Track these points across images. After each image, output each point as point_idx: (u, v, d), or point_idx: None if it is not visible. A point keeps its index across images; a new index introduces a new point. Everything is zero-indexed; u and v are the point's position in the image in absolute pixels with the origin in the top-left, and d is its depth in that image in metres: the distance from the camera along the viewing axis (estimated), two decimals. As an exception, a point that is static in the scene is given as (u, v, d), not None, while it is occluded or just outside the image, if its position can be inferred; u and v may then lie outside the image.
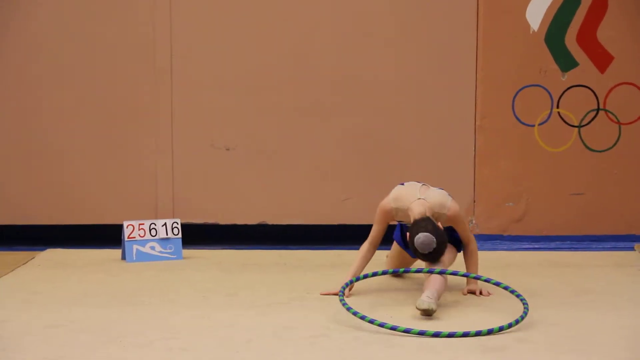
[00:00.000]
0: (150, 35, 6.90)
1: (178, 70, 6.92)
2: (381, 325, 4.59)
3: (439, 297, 5.00)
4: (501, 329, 4.60)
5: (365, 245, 5.41)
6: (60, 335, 4.59)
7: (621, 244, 6.89)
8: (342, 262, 6.28)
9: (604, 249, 6.84)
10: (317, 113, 6.94)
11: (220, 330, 4.68)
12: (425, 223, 5.02)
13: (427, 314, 4.87)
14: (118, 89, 6.94)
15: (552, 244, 6.94)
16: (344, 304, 4.81)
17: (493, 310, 5.01)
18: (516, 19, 6.84)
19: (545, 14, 6.83)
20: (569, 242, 6.96)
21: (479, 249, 6.71)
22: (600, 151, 6.95)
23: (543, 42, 6.86)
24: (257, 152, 6.99)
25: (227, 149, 6.99)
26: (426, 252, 4.99)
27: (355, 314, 4.70)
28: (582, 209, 6.94)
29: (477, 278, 5.18)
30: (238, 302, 5.26)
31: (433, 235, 4.96)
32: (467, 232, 5.37)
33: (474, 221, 6.97)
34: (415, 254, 5.07)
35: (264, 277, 5.88)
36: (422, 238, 4.97)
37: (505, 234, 6.98)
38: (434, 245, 4.97)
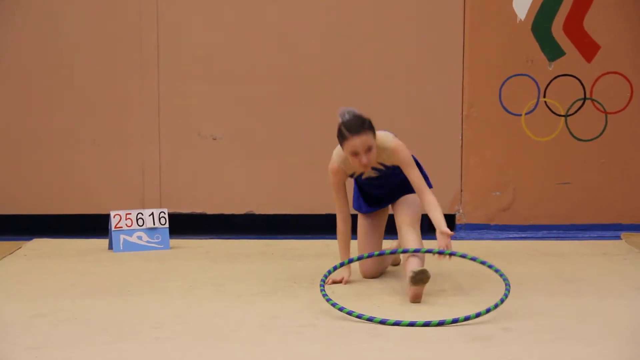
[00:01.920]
0: (137, 24, 6.88)
1: (165, 59, 6.92)
2: (370, 319, 4.60)
3: (423, 263, 5.04)
4: (488, 310, 4.61)
5: (339, 226, 5.35)
6: (46, 325, 4.59)
7: (608, 233, 6.92)
8: (329, 251, 6.29)
9: (590, 238, 6.87)
10: (304, 103, 6.94)
11: (207, 320, 4.68)
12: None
13: (423, 280, 4.88)
14: (104, 78, 6.93)
15: (539, 233, 6.97)
16: (326, 298, 4.82)
17: (478, 295, 5.02)
18: (503, 9, 6.85)
19: (532, 4, 6.84)
20: (555, 231, 6.98)
21: (466, 238, 6.76)
22: (586, 140, 6.96)
23: (530, 32, 6.87)
24: (244, 141, 6.99)
25: (214, 139, 6.99)
26: (351, 116, 5.01)
27: (341, 309, 4.69)
28: (568, 198, 6.97)
29: (463, 256, 5.02)
30: (225, 291, 5.26)
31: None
32: (419, 177, 5.18)
33: (460, 210, 6.99)
34: (347, 132, 5.00)
35: (251, 267, 5.89)
36: (343, 110, 5.04)
37: (492, 223, 7.00)
38: (357, 112, 5.02)
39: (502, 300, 4.68)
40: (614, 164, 6.95)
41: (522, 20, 6.86)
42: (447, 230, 5.03)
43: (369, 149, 5.03)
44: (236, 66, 6.93)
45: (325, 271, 5.20)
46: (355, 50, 6.91)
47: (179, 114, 6.97)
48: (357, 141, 5.00)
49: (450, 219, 7.06)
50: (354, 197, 5.57)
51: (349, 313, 4.64)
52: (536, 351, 4.18)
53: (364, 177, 5.33)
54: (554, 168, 6.97)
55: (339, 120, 5.03)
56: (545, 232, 6.97)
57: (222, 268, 5.88)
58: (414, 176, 5.17)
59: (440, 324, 4.52)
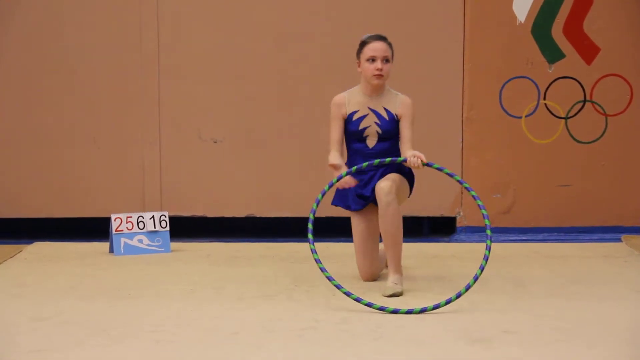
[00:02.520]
0: (136, 25, 6.89)
1: (165, 61, 6.93)
2: (357, 300, 4.78)
3: (401, 275, 5.17)
4: (458, 295, 4.78)
5: (331, 154, 5.30)
6: (47, 327, 4.59)
7: (608, 236, 6.92)
8: (329, 254, 6.29)
9: (591, 240, 6.87)
10: (304, 106, 6.95)
11: (208, 322, 4.69)
12: None
13: (395, 296, 5.05)
14: (105, 79, 6.95)
15: (540, 236, 6.97)
16: (312, 250, 4.96)
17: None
18: (503, 11, 6.86)
19: (532, 6, 6.85)
20: (556, 233, 6.98)
21: (467, 241, 6.77)
22: (587, 143, 6.97)
23: (530, 34, 6.88)
24: (245, 144, 6.99)
25: (215, 142, 6.99)
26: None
27: (338, 287, 4.86)
28: (569, 200, 6.97)
29: (440, 169, 5.02)
30: (226, 294, 5.26)
31: None
32: (410, 134, 5.24)
33: (461, 213, 6.99)
34: (368, 38, 5.24)
35: (252, 270, 5.89)
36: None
37: (493, 225, 6.99)
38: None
39: (475, 279, 4.82)
40: (615, 167, 6.96)
41: (522, 22, 6.87)
42: (417, 152, 5.04)
43: (386, 60, 5.19)
44: (236, 68, 6.95)
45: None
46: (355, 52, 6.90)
47: (180, 116, 6.98)
48: (376, 45, 5.18)
49: (450, 222, 7.09)
50: (337, 195, 5.50)
51: (337, 286, 4.83)
52: (536, 353, 4.19)
53: (358, 119, 5.26)
54: (554, 170, 6.98)
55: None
56: (545, 234, 6.98)
57: (222, 271, 5.89)
58: (408, 131, 5.26)
59: (436, 307, 4.75)
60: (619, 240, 6.81)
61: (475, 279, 4.83)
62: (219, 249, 6.57)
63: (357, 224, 5.45)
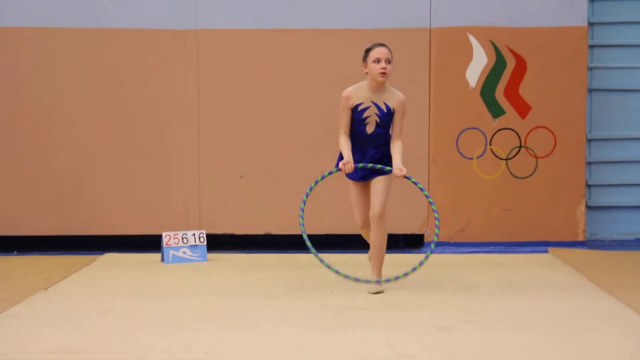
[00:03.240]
0: (181, 87, 6.91)
1: (204, 114, 6.93)
2: (336, 272, 4.89)
3: (381, 273, 5.19)
4: (414, 269, 4.95)
5: (341, 137, 5.17)
6: (114, 318, 4.58)
7: (539, 248, 6.90)
8: (328, 262, 6.24)
9: (526, 252, 6.85)
10: (310, 149, 6.95)
11: (235, 314, 4.67)
12: None
13: (378, 293, 5.12)
14: (159, 129, 6.92)
15: (487, 248, 6.95)
16: (302, 230, 5.03)
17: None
18: (458, 78, 6.88)
19: (480, 74, 6.88)
20: (499, 247, 6.96)
21: (432, 252, 6.73)
22: (522, 178, 6.97)
23: (479, 96, 6.90)
24: (264, 178, 6.99)
25: (241, 177, 6.99)
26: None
27: (325, 263, 4.96)
28: (509, 221, 6.95)
29: (415, 183, 5.10)
30: (249, 293, 5.24)
31: None
32: (401, 127, 5.17)
33: (427, 231, 6.97)
34: (373, 45, 5.09)
35: (269, 275, 5.87)
36: None
37: (452, 240, 6.99)
38: None
39: (426, 257, 4.97)
40: (543, 196, 6.95)
41: (473, 87, 6.90)
42: (402, 167, 5.05)
43: (388, 61, 5.06)
44: (257, 121, 6.94)
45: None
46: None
47: (214, 157, 6.97)
48: (381, 49, 5.05)
49: (419, 238, 7.07)
50: (337, 157, 5.29)
51: (321, 260, 4.92)
52: (487, 337, 4.17)
53: (362, 109, 5.11)
54: (498, 199, 6.97)
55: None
56: (492, 247, 6.96)
57: (246, 275, 5.86)
58: (399, 123, 5.16)
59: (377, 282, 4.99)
60: (546, 251, 6.80)
61: (414, 269, 5.01)
62: (244, 259, 6.54)
63: (354, 189, 5.30)
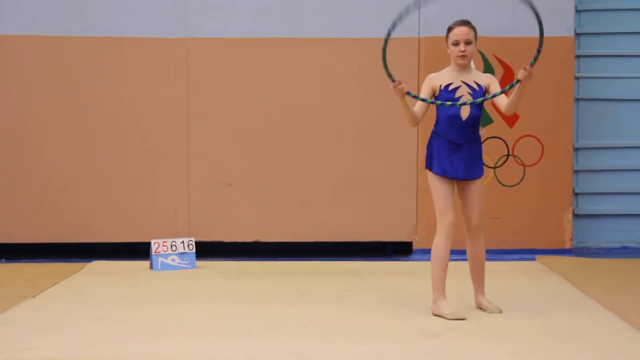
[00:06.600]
0: (172, 99, 6.92)
1: (193, 124, 6.93)
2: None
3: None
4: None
5: (414, 110, 4.83)
6: (103, 326, 4.57)
7: (526, 256, 6.94)
8: (317, 270, 6.28)
9: (514, 259, 6.88)
10: (299, 156, 6.97)
11: (226, 321, 4.67)
12: None
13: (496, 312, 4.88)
14: (147, 142, 6.92)
15: (475, 256, 6.96)
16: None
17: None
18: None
19: (469, 84, 6.90)
20: (487, 254, 6.92)
21: (420, 260, 6.75)
22: (510, 186, 7.01)
23: (467, 105, 6.93)
24: (252, 186, 6.99)
25: (230, 185, 7.00)
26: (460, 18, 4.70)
27: (415, 97, 4.60)
28: (498, 229, 6.98)
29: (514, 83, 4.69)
30: (239, 300, 5.25)
31: None
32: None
33: (416, 238, 7.00)
34: (452, 24, 4.72)
35: (259, 282, 5.88)
36: None
37: (440, 248, 6.99)
38: None
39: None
40: (531, 204, 6.99)
41: (461, 96, 6.92)
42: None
43: (468, 42, 4.68)
44: (245, 129, 6.94)
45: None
46: (339, 113, 6.91)
47: (203, 165, 6.98)
48: (459, 30, 4.67)
49: (407, 245, 7.09)
50: (435, 158, 4.92)
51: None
52: (474, 344, 4.20)
53: (453, 89, 4.77)
54: (487, 206, 6.93)
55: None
56: (479, 255, 6.97)
57: (235, 282, 5.87)
58: (501, 92, 4.76)
59: None
60: (533, 259, 6.83)
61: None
62: (232, 266, 6.54)
63: (442, 184, 4.97)
